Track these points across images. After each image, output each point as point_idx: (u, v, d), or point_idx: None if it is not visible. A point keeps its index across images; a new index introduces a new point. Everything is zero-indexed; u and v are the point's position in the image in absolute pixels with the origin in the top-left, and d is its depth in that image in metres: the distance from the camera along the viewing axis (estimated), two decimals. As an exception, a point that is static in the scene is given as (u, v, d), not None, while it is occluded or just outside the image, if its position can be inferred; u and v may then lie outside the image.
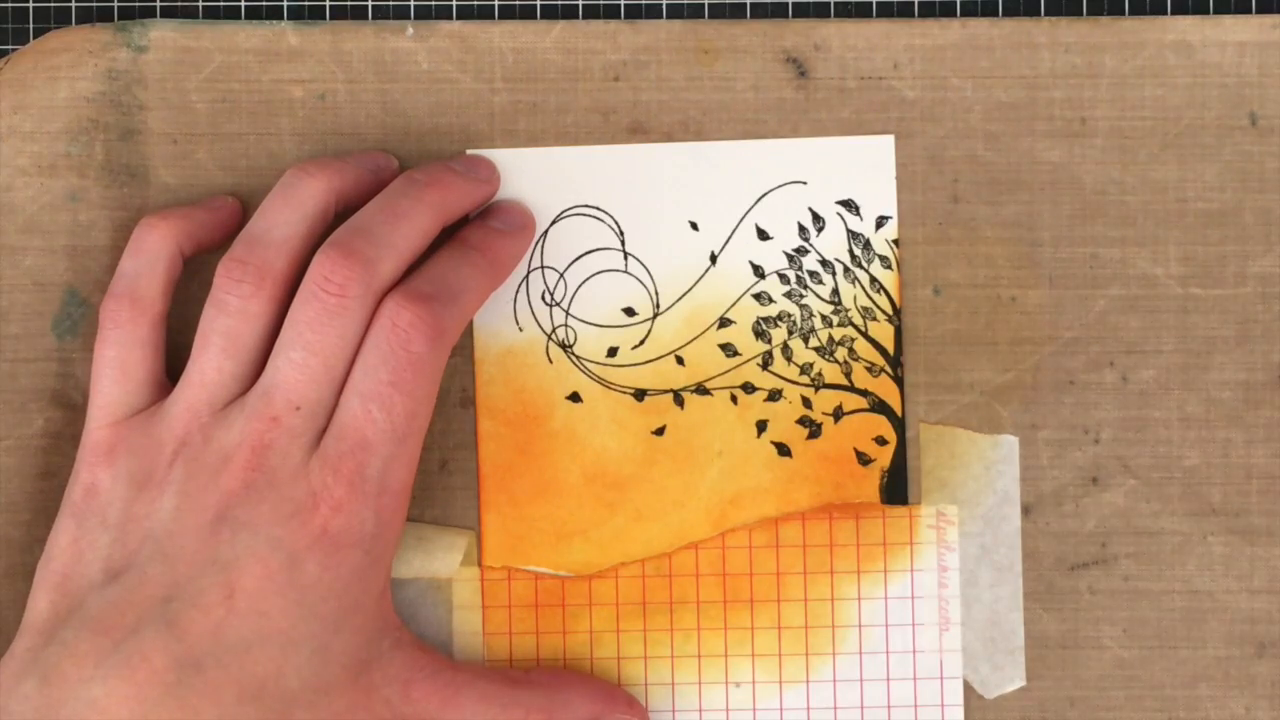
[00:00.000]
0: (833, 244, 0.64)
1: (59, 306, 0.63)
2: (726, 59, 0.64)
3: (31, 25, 0.65)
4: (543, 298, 0.64)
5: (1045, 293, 0.64)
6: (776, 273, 0.64)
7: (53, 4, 0.65)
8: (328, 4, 0.65)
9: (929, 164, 0.64)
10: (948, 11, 0.65)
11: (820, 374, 0.64)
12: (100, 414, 0.60)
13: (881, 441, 0.64)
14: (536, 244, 0.64)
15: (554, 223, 0.64)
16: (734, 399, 0.64)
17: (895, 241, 0.64)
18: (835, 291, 0.64)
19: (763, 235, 0.64)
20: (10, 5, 0.66)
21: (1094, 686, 0.64)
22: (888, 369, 0.64)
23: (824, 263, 0.64)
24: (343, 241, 0.59)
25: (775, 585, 0.64)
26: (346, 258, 0.59)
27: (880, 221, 0.64)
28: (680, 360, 0.64)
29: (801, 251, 0.64)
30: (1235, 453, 0.64)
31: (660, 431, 0.64)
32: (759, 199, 0.64)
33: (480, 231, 0.63)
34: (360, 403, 0.59)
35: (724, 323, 0.64)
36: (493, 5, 0.65)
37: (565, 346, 0.64)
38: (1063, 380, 0.64)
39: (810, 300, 0.64)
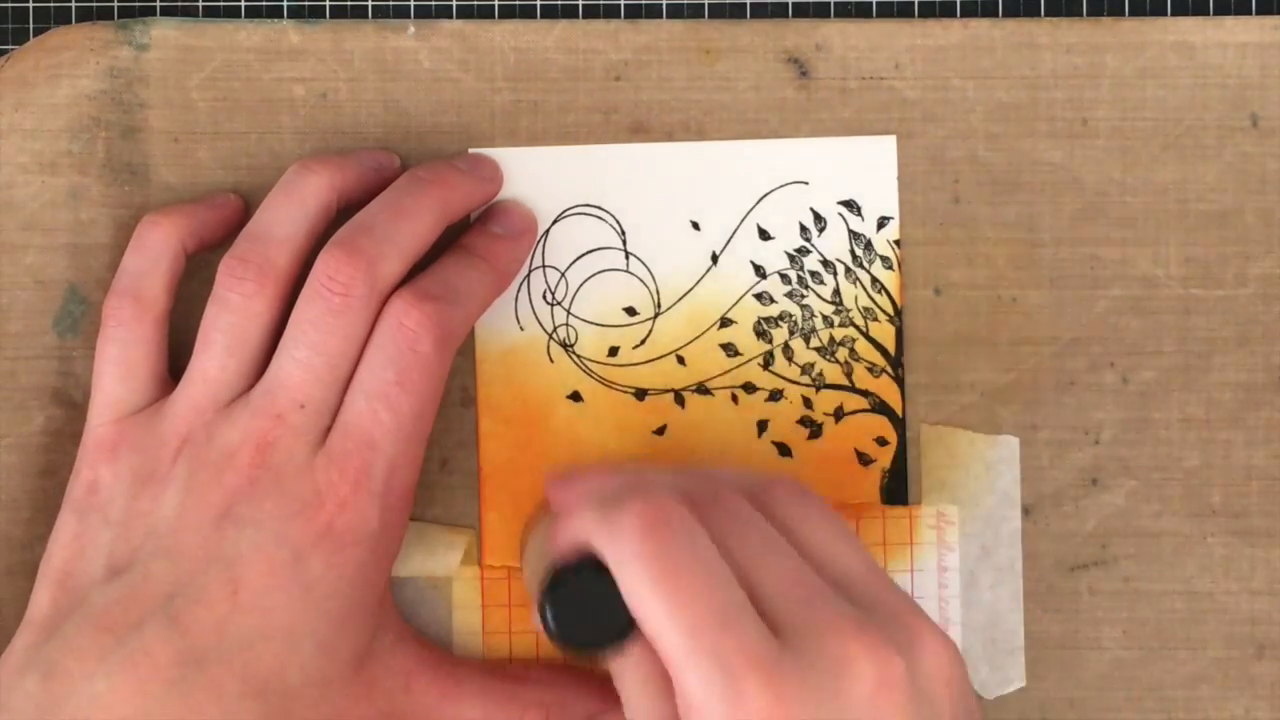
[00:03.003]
0: (834, 244, 0.64)
1: (60, 304, 0.63)
2: (728, 59, 0.64)
3: (31, 25, 0.65)
4: (544, 297, 0.64)
5: (1046, 293, 0.64)
6: (778, 273, 0.64)
7: (53, 3, 0.65)
8: (328, 3, 0.65)
9: (930, 164, 0.64)
10: (949, 12, 0.65)
11: (821, 374, 0.64)
12: (102, 411, 0.60)
13: (882, 442, 0.64)
14: (538, 243, 0.63)
15: (555, 222, 0.64)
16: (735, 399, 0.64)
17: (896, 242, 0.64)
18: (836, 292, 0.64)
19: (764, 235, 0.64)
20: (10, 5, 0.66)
21: (1094, 687, 0.64)
22: (888, 369, 0.64)
23: (825, 263, 0.64)
24: (347, 240, 0.59)
25: (776, 585, 0.64)
26: (351, 256, 0.58)
27: (881, 222, 0.64)
28: (681, 360, 0.64)
29: (803, 251, 0.64)
30: (1235, 454, 0.64)
31: (661, 431, 0.64)
32: (760, 199, 0.64)
33: (482, 238, 0.62)
34: (366, 402, 0.58)
35: (725, 322, 0.64)
36: (493, 5, 0.65)
37: (566, 346, 0.64)
38: (1063, 381, 0.64)
39: (811, 300, 0.64)
